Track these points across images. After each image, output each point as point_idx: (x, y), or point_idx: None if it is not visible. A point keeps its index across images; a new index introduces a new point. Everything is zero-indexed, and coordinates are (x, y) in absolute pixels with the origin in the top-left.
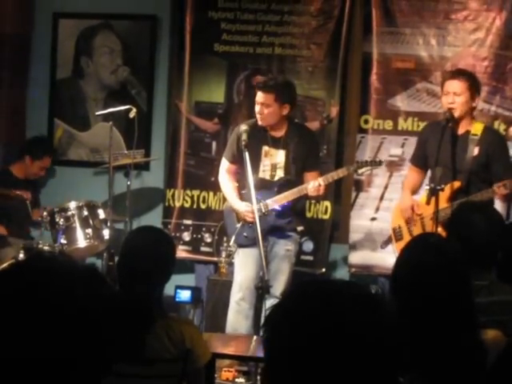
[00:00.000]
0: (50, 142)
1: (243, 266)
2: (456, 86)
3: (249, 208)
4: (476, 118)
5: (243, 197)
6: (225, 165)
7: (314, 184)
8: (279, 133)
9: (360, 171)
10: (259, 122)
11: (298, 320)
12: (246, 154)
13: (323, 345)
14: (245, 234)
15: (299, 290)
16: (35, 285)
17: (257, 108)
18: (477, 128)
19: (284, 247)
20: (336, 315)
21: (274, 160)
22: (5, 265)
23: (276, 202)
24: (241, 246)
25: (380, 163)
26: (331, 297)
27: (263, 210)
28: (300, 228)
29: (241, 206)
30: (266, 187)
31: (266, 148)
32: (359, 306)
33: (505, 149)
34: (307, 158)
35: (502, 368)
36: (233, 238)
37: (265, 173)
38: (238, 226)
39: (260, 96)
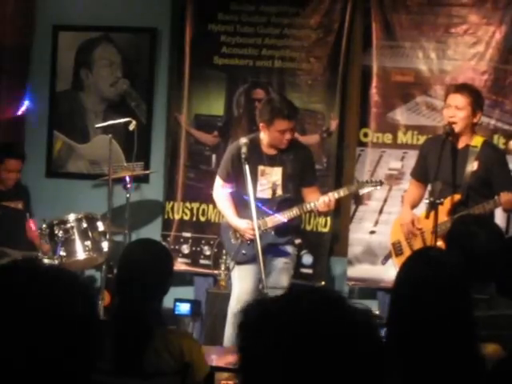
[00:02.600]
0: (8, 145)
1: (241, 279)
2: (458, 100)
3: (249, 225)
4: (476, 133)
5: (241, 215)
6: (219, 183)
7: (323, 199)
8: (274, 150)
9: (361, 191)
10: (283, 147)
11: (271, 328)
12: (247, 167)
13: (296, 352)
14: (243, 251)
15: (274, 299)
16: (21, 287)
17: (288, 135)
18: (477, 141)
19: (282, 260)
20: (308, 323)
21: (271, 178)
22: None
23: (276, 220)
24: (239, 263)
25: (381, 183)
26: (301, 306)
27: (262, 228)
28: (298, 241)
29: (241, 224)
30: (265, 205)
31: (261, 167)
32: (331, 313)
33: (504, 163)
34: (304, 173)
35: (497, 380)
36: (231, 256)
37: (262, 192)
38: (235, 242)
39: (289, 124)
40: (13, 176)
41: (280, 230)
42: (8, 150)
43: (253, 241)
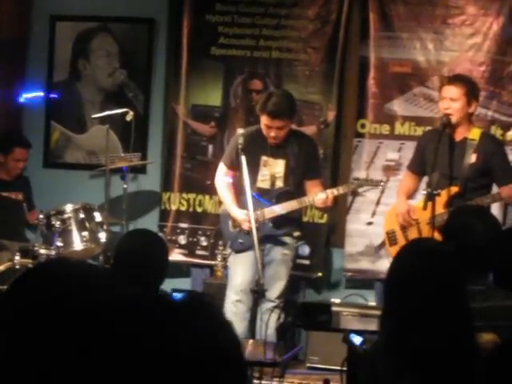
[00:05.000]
0: (18, 134)
1: (239, 269)
2: (453, 91)
3: (246, 217)
4: (474, 124)
5: (242, 203)
6: (222, 170)
7: (321, 196)
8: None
9: (360, 190)
10: (274, 142)
11: None
12: (243, 158)
13: None
14: (240, 240)
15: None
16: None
17: (272, 133)
18: (474, 133)
19: (281, 251)
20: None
21: (273, 170)
22: (1, 267)
23: (274, 212)
24: (236, 251)
25: (380, 183)
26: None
27: (260, 219)
28: (296, 233)
29: (238, 214)
30: (265, 196)
31: (264, 158)
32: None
33: (503, 153)
34: (307, 166)
35: (493, 370)
36: (228, 244)
37: (263, 182)
38: (234, 231)
39: (271, 121)
40: (20, 165)
41: (278, 221)
42: (16, 138)
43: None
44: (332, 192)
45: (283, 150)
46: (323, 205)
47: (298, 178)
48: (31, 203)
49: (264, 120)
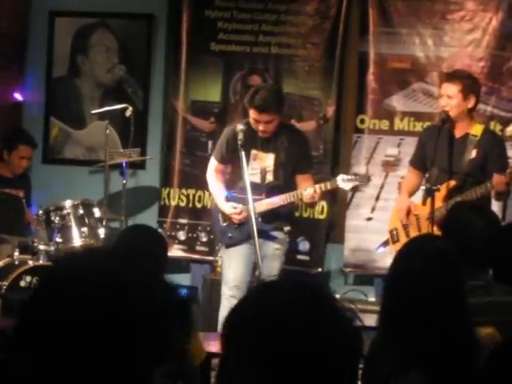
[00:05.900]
0: (22, 131)
1: (232, 264)
2: (449, 89)
3: (234, 210)
4: (475, 120)
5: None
6: (213, 164)
7: (309, 191)
8: (268, 134)
9: (346, 186)
10: (263, 135)
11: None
12: (242, 154)
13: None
14: (229, 234)
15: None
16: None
17: (260, 127)
18: (477, 129)
19: (272, 246)
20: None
21: (263, 164)
22: (0, 263)
23: (264, 206)
24: (227, 246)
25: (368, 180)
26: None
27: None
28: (287, 228)
29: (226, 207)
30: (255, 190)
31: (254, 151)
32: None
33: (502, 148)
34: (298, 160)
35: (494, 366)
36: (217, 238)
37: (253, 176)
38: (224, 225)
39: (258, 115)
40: (24, 163)
41: (267, 216)
42: (21, 135)
43: (240, 224)
44: (320, 187)
45: (273, 144)
46: (311, 200)
47: (287, 172)
48: (28, 201)
49: (252, 114)
